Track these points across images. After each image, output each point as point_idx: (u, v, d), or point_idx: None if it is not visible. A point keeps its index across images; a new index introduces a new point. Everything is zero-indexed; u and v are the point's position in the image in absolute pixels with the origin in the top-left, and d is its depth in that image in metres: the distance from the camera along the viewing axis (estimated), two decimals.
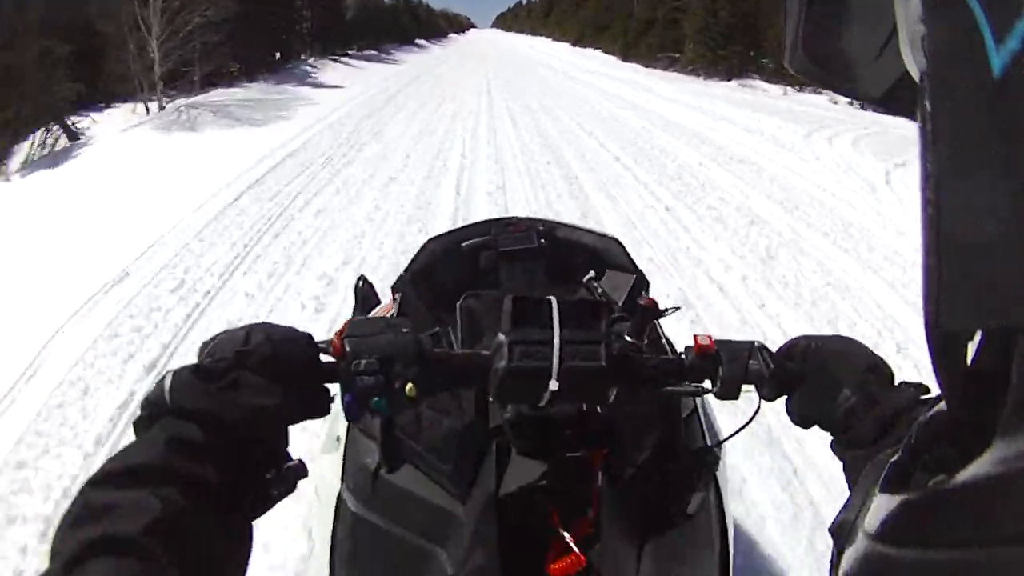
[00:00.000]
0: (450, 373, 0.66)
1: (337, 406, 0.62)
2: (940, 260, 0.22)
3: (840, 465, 0.63)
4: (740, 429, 0.76)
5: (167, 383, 0.54)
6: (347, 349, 0.61)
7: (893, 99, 0.34)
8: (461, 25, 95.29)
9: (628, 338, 0.71)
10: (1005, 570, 0.22)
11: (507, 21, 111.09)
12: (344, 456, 0.93)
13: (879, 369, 0.64)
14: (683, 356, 0.70)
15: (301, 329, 0.62)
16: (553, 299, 0.68)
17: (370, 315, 1.37)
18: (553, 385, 0.63)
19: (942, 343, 0.24)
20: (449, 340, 0.89)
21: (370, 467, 0.86)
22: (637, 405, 0.82)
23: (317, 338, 0.62)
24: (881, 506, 0.29)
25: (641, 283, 1.08)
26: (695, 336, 0.69)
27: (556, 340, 0.64)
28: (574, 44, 34.42)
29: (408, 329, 0.64)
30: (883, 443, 0.57)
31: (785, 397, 0.68)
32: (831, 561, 0.46)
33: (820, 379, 0.64)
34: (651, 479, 0.79)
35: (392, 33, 29.60)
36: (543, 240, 1.12)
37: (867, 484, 0.46)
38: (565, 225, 1.18)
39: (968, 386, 0.26)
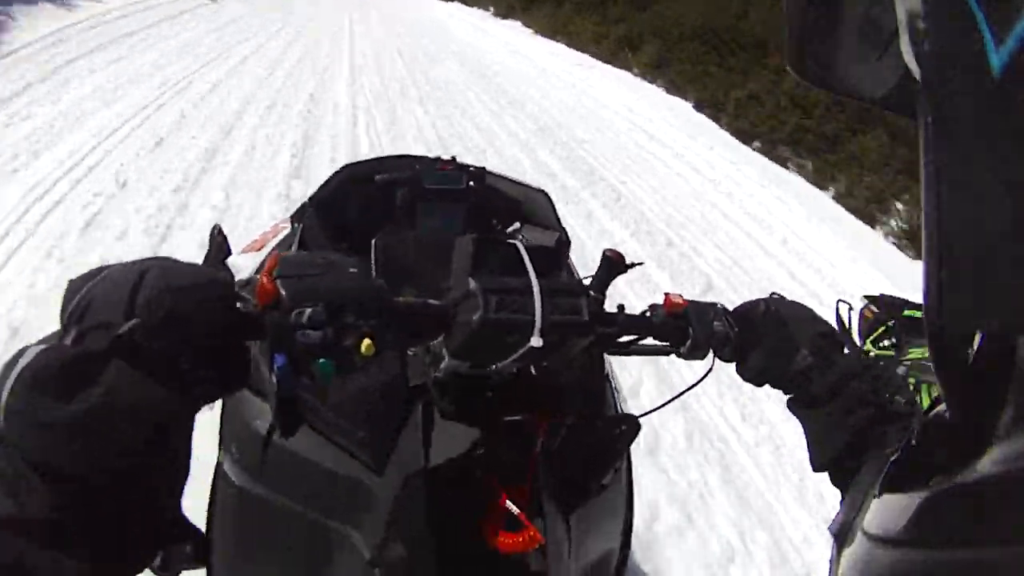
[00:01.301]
0: (408, 324, 0.55)
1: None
2: (941, 261, 0.22)
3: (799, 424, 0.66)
4: (683, 392, 0.73)
5: (5, 392, 0.36)
6: (282, 293, 0.47)
7: (895, 101, 0.34)
8: None
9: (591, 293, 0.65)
10: (1006, 570, 0.22)
11: None
12: (222, 418, 0.79)
13: (831, 335, 0.66)
14: (649, 314, 0.66)
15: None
16: (519, 243, 0.62)
17: (252, 245, 1.21)
18: (536, 341, 0.55)
19: (942, 344, 0.24)
20: None
21: (260, 431, 0.73)
22: (568, 366, 0.77)
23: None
24: (881, 506, 0.29)
25: (563, 242, 1.03)
26: (667, 294, 0.66)
27: (536, 290, 0.56)
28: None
29: (356, 269, 0.52)
30: (837, 402, 0.61)
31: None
32: (831, 562, 0.46)
33: (777, 341, 0.65)
34: (580, 446, 0.75)
35: None
36: (471, 183, 1.05)
37: (867, 484, 0.47)
38: (495, 174, 1.12)
39: (968, 387, 0.26)
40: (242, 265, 1.16)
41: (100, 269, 0.43)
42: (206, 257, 1.70)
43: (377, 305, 0.50)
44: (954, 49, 0.22)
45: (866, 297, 3.52)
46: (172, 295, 0.41)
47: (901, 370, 3.13)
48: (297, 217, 1.03)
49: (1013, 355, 0.23)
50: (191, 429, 0.42)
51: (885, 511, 0.29)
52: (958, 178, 0.22)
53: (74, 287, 0.43)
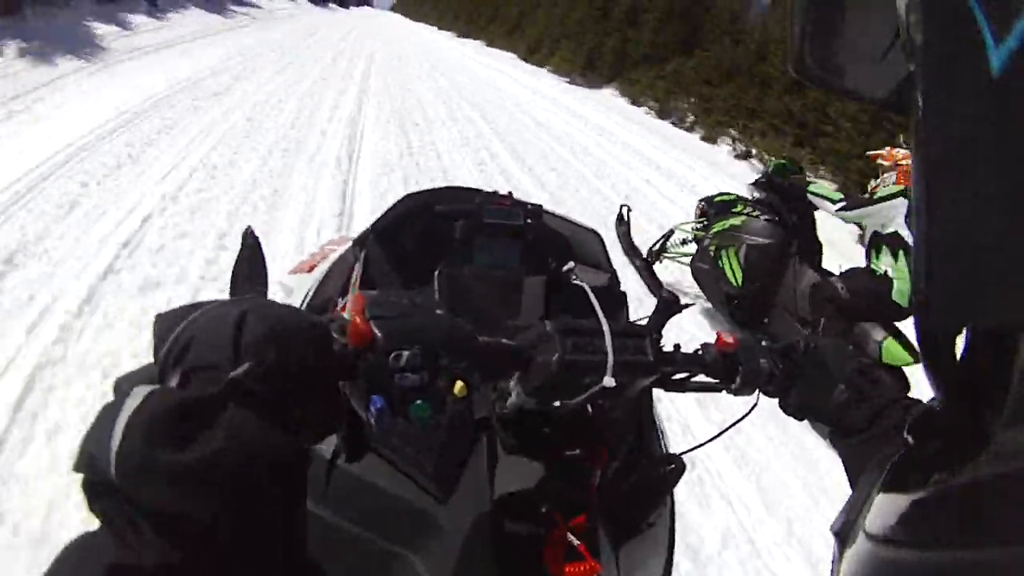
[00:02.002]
0: (489, 364, 0.56)
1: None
2: (931, 258, 0.22)
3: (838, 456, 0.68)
4: (727, 429, 0.75)
5: (115, 438, 0.35)
6: (377, 336, 0.48)
7: (896, 101, 0.34)
8: None
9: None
10: (1006, 570, 0.22)
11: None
12: None
13: (866, 368, 0.69)
14: (702, 352, 0.69)
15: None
16: (585, 285, 0.66)
17: (301, 266, 1.25)
18: (608, 381, 0.57)
19: (932, 341, 0.24)
20: None
21: (324, 454, 0.75)
22: (620, 404, 0.79)
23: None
24: (882, 507, 0.29)
25: (614, 281, 1.06)
26: (719, 334, 0.69)
27: (607, 332, 0.59)
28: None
29: (442, 310, 0.53)
30: (872, 431, 0.63)
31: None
32: (833, 562, 0.46)
33: (818, 376, 0.68)
34: (630, 483, 0.77)
35: None
36: (529, 220, 1.06)
37: (868, 485, 0.46)
38: (551, 212, 1.14)
39: (958, 383, 0.26)
40: (291, 286, 1.19)
41: (192, 307, 0.43)
42: (238, 257, 1.73)
43: (467, 347, 0.52)
44: (953, 48, 0.22)
45: (701, 199, 3.95)
46: (276, 339, 0.42)
47: (706, 242, 3.52)
48: (359, 244, 1.06)
49: (1006, 353, 0.23)
50: (305, 471, 0.42)
51: (886, 511, 0.29)
52: (951, 176, 0.22)
53: (166, 323, 0.42)
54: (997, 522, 0.22)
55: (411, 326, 0.49)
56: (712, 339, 0.70)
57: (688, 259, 3.72)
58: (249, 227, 1.80)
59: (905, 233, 2.84)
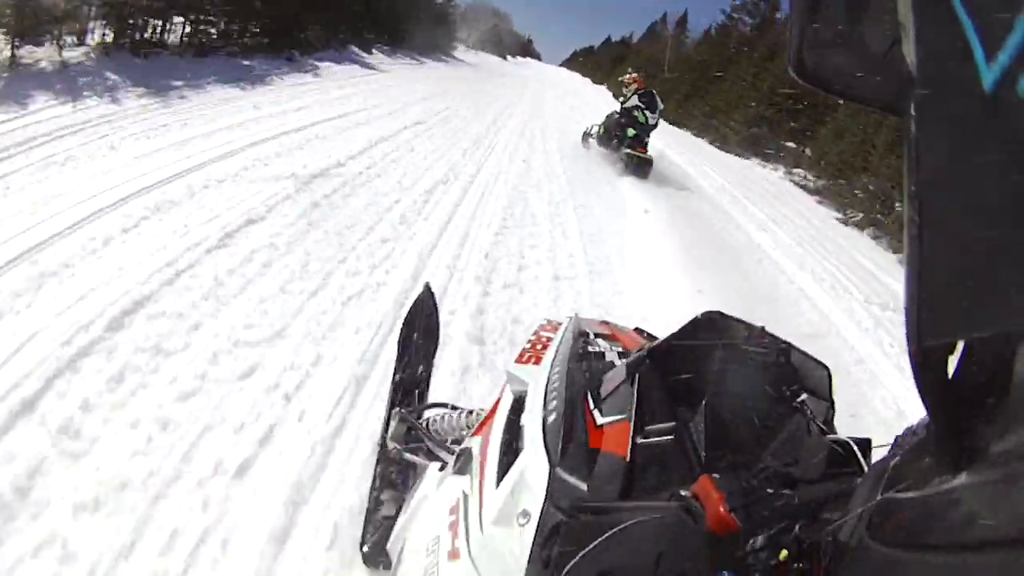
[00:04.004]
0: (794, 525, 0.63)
1: None
2: (922, 274, 0.22)
3: None
4: None
5: None
6: (739, 525, 0.55)
7: (897, 103, 0.34)
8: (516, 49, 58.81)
9: None
10: (1003, 571, 0.22)
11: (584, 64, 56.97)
12: (535, 539, 0.86)
13: None
14: None
15: None
16: (851, 442, 0.74)
17: (525, 355, 1.36)
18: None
19: (923, 356, 0.24)
20: (692, 439, 0.88)
21: None
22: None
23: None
24: (881, 509, 0.29)
25: (831, 412, 1.09)
26: None
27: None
28: None
29: (771, 489, 0.60)
30: None
31: None
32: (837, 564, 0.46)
33: None
34: None
35: None
36: (781, 358, 1.11)
37: (868, 488, 0.47)
38: (797, 349, 1.17)
39: (950, 396, 0.26)
40: (522, 378, 1.25)
41: (608, 512, 0.56)
42: (415, 307, 1.87)
43: (792, 519, 0.57)
44: (945, 65, 0.22)
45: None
46: (689, 562, 0.53)
47: (600, 127, 10.28)
48: (633, 367, 1.10)
49: (999, 365, 0.23)
50: None
51: (884, 514, 0.29)
52: (943, 192, 0.22)
53: (586, 534, 0.54)
54: (994, 525, 0.22)
55: (766, 513, 0.56)
56: None
57: (595, 136, 9.83)
58: (427, 283, 1.81)
59: (638, 103, 9.09)
